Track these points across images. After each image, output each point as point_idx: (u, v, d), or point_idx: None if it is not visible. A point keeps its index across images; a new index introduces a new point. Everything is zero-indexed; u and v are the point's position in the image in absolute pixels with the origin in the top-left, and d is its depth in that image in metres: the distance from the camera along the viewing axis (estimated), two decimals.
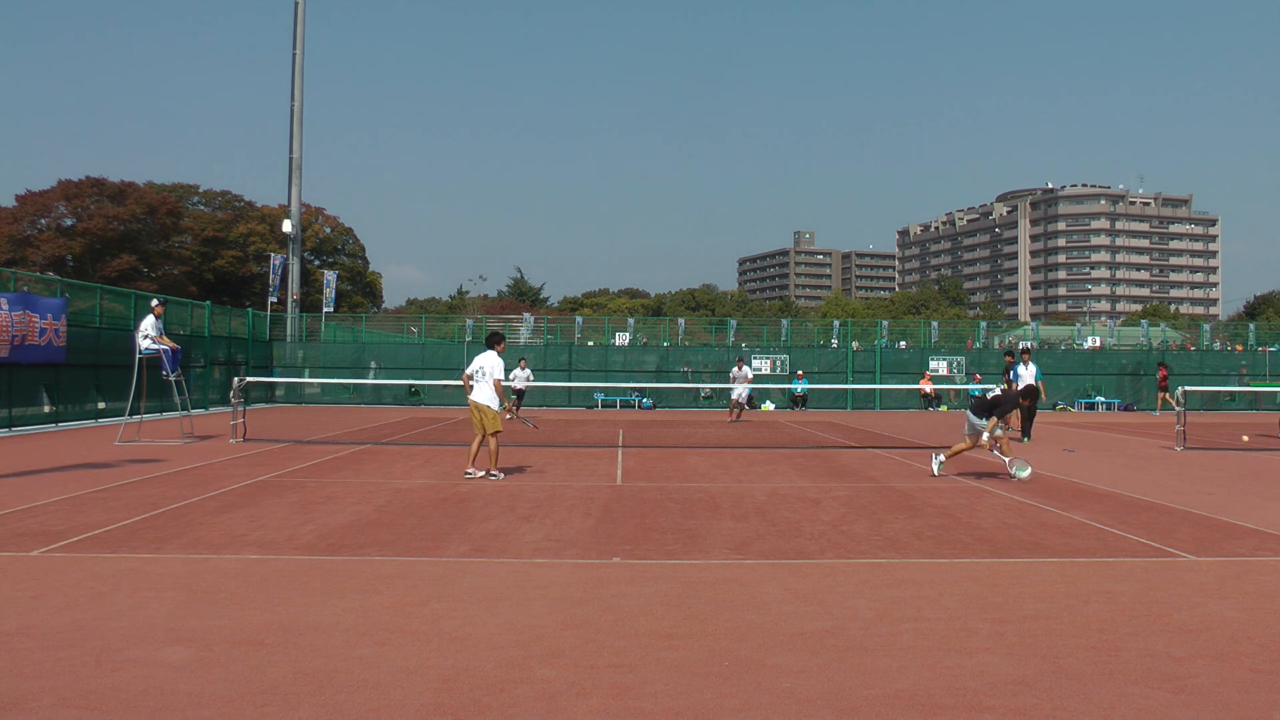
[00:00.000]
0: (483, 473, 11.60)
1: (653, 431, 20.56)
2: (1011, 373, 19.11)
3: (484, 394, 11.55)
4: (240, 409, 16.86)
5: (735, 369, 25.73)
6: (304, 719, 3.84)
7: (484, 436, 11.63)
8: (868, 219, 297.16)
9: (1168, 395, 31.23)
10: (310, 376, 32.76)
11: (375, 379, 32.26)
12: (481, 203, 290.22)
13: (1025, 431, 18.60)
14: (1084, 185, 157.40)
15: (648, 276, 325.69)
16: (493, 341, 11.77)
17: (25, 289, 19.15)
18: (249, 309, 34.57)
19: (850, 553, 7.34)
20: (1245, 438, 19.65)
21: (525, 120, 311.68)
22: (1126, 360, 36.29)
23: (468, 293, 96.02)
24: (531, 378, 27.93)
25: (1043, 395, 18.87)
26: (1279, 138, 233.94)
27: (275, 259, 36.06)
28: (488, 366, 11.59)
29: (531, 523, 8.51)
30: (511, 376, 24.21)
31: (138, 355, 15.88)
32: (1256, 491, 11.27)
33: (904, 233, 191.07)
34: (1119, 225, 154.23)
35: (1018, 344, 38.40)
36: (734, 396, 25.43)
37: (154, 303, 16.74)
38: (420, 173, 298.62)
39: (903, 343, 38.37)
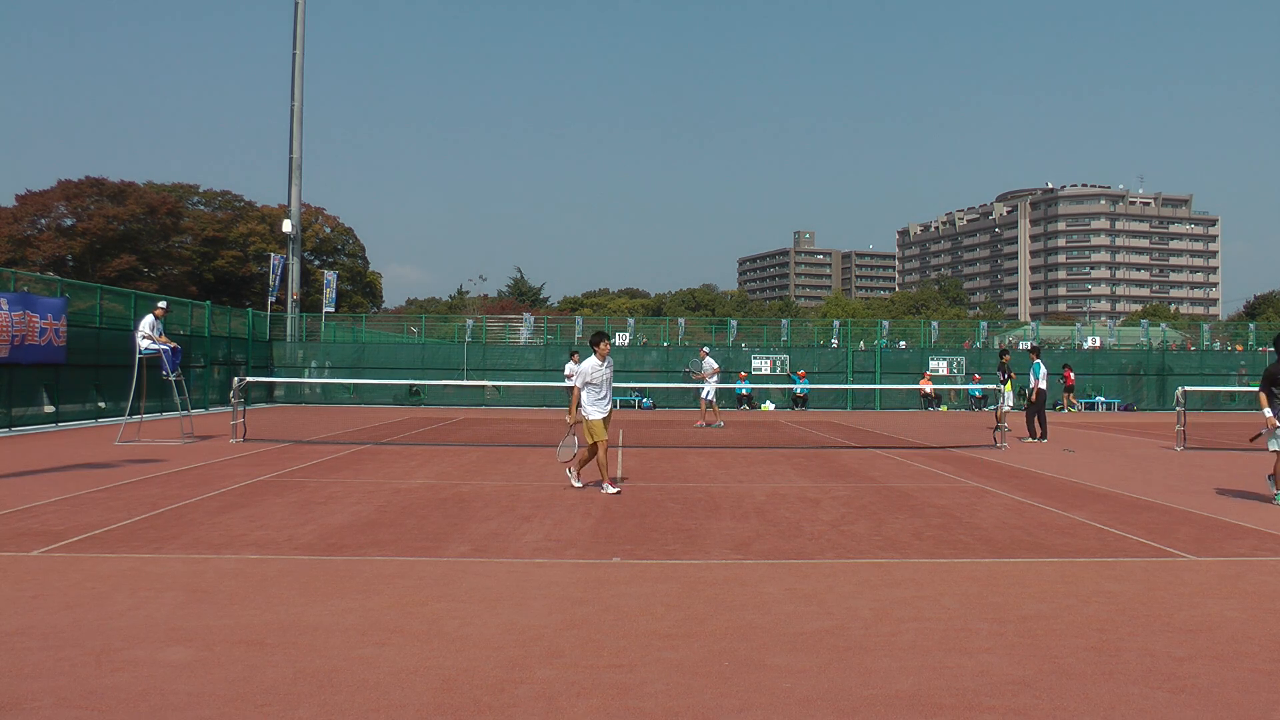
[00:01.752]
0: (580, 484, 10.90)
1: (653, 431, 20.55)
2: (1032, 371, 19.10)
3: None
4: (240, 409, 16.85)
5: (699, 359, 22.63)
6: (304, 719, 3.84)
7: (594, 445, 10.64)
8: (868, 219, 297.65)
9: (1072, 396, 32.86)
10: (310, 376, 32.77)
11: (324, 378, 32.29)
12: (482, 202, 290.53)
13: (1041, 433, 18.62)
14: (1084, 185, 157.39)
15: (648, 276, 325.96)
16: (591, 343, 10.65)
17: (25, 289, 19.15)
18: (249, 309, 34.56)
19: (850, 553, 7.34)
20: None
21: (525, 120, 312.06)
22: (1126, 360, 36.30)
23: (468, 293, 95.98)
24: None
25: (1030, 395, 18.82)
26: (1279, 138, 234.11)
27: (275, 259, 36.07)
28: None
29: (531, 523, 8.51)
30: (568, 373, 23.09)
31: (138, 355, 15.89)
32: (1257, 491, 11.26)
33: (904, 233, 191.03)
34: (1119, 225, 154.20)
35: (1017, 343, 38.56)
36: (704, 395, 22.61)
37: (160, 304, 16.82)
38: (420, 172, 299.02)
39: (903, 343, 38.36)
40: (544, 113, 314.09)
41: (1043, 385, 18.52)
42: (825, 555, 7.24)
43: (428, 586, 6.07)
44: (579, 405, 10.51)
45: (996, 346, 36.79)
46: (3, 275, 18.83)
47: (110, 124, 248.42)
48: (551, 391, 32.71)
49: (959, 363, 35.02)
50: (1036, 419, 18.72)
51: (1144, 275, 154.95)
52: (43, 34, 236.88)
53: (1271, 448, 10.10)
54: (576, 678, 4.36)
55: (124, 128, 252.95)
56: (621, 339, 36.86)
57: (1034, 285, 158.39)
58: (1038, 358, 19.02)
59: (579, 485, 10.80)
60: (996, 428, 17.38)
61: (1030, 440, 18.51)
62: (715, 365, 23.04)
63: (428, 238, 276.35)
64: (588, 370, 10.43)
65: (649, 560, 6.98)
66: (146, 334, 15.81)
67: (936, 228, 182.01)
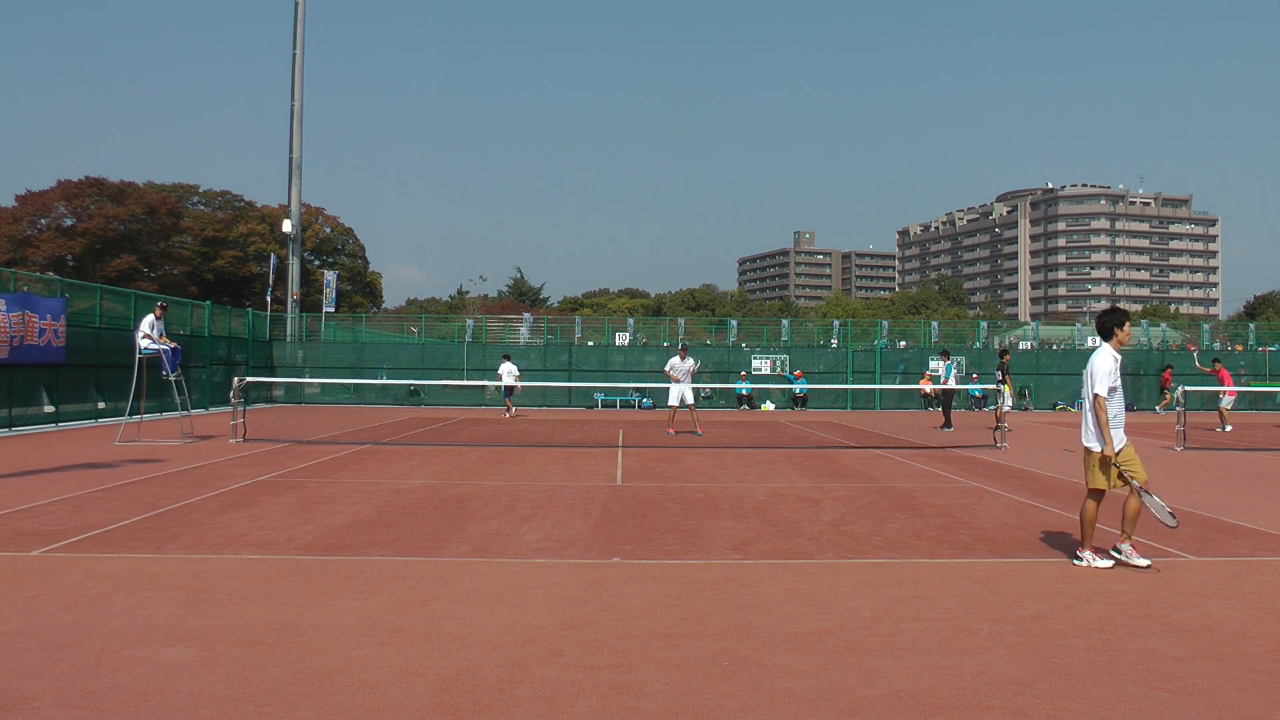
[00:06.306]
0: (1147, 562, 6.92)
1: (653, 431, 20.54)
2: (943, 370, 22.73)
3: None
4: (240, 409, 16.85)
5: (677, 359, 19.34)
6: (304, 719, 3.84)
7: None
8: (868, 219, 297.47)
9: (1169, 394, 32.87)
10: (310, 376, 32.77)
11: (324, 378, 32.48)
12: (481, 202, 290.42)
13: (944, 423, 21.76)
14: (1084, 185, 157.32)
15: (648, 276, 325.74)
16: (1104, 326, 7.08)
17: (25, 289, 19.14)
18: (249, 309, 34.56)
19: (850, 553, 7.34)
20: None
21: (525, 120, 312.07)
22: (1127, 360, 36.28)
23: (468, 293, 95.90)
24: (686, 368, 19.44)
25: (929, 390, 21.63)
26: (1279, 138, 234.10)
27: (272, 259, 36.08)
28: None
29: (531, 523, 8.51)
30: (668, 367, 19.44)
31: (138, 355, 15.89)
32: (1256, 491, 11.27)
33: (904, 233, 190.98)
34: (1119, 225, 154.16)
35: (1017, 343, 38.57)
36: (687, 401, 19.23)
37: (159, 304, 16.88)
38: (420, 173, 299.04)
39: (903, 343, 38.35)
40: (544, 112, 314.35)
41: (950, 384, 21.98)
42: (825, 555, 7.24)
43: (428, 586, 6.07)
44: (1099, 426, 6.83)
45: (996, 347, 36.84)
46: (3, 275, 18.82)
47: (110, 124, 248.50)
48: (552, 391, 32.70)
49: (959, 363, 35.01)
50: (945, 410, 22.04)
51: (1144, 275, 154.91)
52: (43, 34, 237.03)
53: None
54: (576, 678, 4.36)
55: (124, 128, 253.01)
56: (621, 339, 36.86)
57: (1034, 285, 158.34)
58: (947, 359, 22.80)
59: (1146, 564, 6.84)
60: (996, 428, 17.38)
61: (948, 430, 21.12)
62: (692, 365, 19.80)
63: (428, 238, 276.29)
64: (1109, 367, 6.77)
65: (649, 560, 6.98)
66: (146, 334, 15.82)
67: (936, 228, 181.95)
